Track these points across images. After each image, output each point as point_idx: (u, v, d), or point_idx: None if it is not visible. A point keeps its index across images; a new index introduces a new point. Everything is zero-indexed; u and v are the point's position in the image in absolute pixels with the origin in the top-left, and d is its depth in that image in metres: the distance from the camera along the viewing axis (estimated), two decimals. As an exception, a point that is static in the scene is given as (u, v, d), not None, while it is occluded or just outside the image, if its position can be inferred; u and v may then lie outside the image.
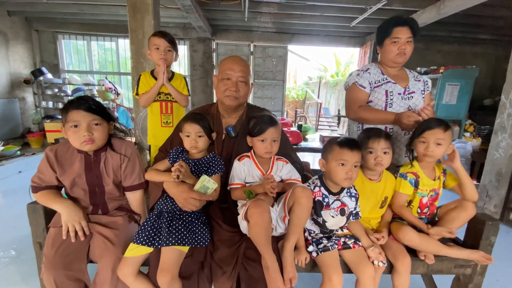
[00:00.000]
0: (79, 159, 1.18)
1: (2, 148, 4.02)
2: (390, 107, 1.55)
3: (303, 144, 2.96)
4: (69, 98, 5.62)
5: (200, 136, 1.20)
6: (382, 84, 1.57)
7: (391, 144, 1.25)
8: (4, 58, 5.12)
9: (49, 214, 1.20)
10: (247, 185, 1.22)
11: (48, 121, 5.29)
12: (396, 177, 1.33)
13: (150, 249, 1.08)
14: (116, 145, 1.23)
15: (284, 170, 1.25)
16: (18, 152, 4.16)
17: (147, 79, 1.77)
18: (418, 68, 4.71)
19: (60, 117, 4.71)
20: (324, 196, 1.18)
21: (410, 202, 1.34)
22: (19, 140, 5.04)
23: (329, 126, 8.56)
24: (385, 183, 1.30)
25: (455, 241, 1.41)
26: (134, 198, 1.29)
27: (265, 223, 1.02)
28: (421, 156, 1.28)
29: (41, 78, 5.49)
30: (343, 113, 8.12)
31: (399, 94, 1.57)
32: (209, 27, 5.42)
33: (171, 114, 1.81)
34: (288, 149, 1.39)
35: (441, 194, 1.35)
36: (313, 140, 3.21)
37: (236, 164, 1.24)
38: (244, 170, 1.22)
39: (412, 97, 1.59)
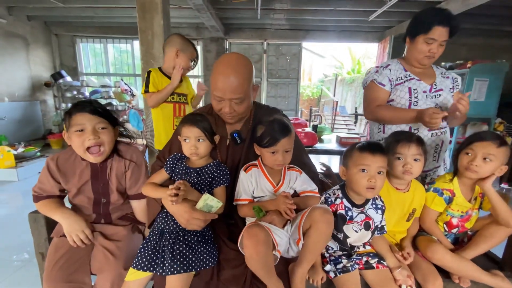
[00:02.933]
0: (84, 166, 1.12)
1: (23, 149, 4.15)
2: (415, 105, 1.40)
3: (318, 145, 2.82)
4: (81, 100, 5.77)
5: (200, 141, 1.06)
6: (404, 81, 1.42)
7: (424, 150, 1.10)
8: (25, 62, 5.30)
9: (51, 223, 1.16)
10: (255, 199, 1.09)
11: (67, 122, 5.44)
12: (427, 189, 1.18)
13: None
14: (122, 151, 1.17)
15: (298, 182, 1.10)
16: (38, 153, 4.29)
17: (159, 77, 1.67)
18: (443, 63, 4.41)
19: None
20: (347, 209, 1.05)
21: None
22: (40, 142, 5.23)
23: (346, 125, 8.28)
24: (414, 193, 1.15)
25: (491, 258, 1.25)
26: (139, 207, 1.22)
27: (261, 256, 0.87)
28: (462, 170, 1.11)
29: (60, 81, 5.66)
30: (360, 111, 7.82)
31: (425, 92, 1.41)
32: (222, 27, 5.35)
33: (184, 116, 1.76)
34: (301, 156, 1.22)
35: (475, 216, 1.19)
36: (329, 141, 3.05)
37: (243, 176, 1.09)
38: (252, 183, 1.07)
39: (440, 95, 1.43)
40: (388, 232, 1.16)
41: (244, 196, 1.08)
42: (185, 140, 1.08)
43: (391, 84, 1.44)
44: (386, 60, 1.52)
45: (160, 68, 1.73)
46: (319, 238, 0.91)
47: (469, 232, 1.23)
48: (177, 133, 1.19)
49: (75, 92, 5.90)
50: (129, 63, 6.53)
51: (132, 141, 1.24)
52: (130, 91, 5.93)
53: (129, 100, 5.87)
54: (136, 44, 6.22)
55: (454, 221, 1.17)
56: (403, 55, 1.51)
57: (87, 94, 6.00)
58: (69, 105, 5.92)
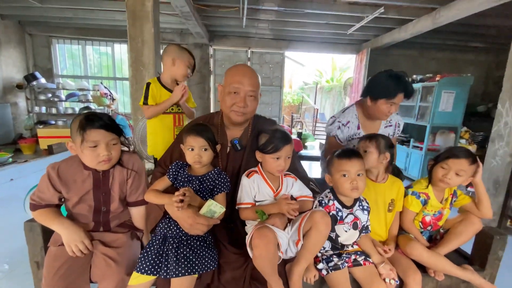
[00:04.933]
0: (86, 176, 1.12)
1: (-7, 155, 3.90)
2: None
3: (303, 152, 2.94)
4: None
5: (204, 150, 1.12)
6: (352, 139, 1.69)
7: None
8: (-4, 63, 5.01)
9: (47, 232, 1.14)
10: (257, 204, 1.16)
11: (41, 126, 5.18)
12: (406, 193, 1.33)
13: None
14: (124, 159, 1.18)
15: (294, 188, 1.19)
16: (10, 159, 4.05)
17: (158, 89, 1.69)
18: (414, 76, 4.77)
19: (53, 122, 4.55)
20: (338, 210, 1.16)
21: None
22: (10, 147, 4.91)
23: (325, 131, 8.59)
24: (392, 185, 1.30)
25: (461, 254, 1.41)
26: (138, 214, 1.24)
27: (271, 254, 0.96)
28: (436, 181, 1.27)
29: (34, 83, 5.39)
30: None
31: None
32: (207, 33, 5.40)
33: (183, 125, 1.79)
34: (293, 163, 1.31)
35: (447, 214, 1.35)
36: (313, 147, 3.19)
37: (245, 181, 1.16)
38: (254, 188, 1.15)
39: None
40: (375, 226, 1.28)
41: (247, 200, 1.14)
42: (190, 149, 1.12)
43: (346, 140, 1.71)
44: (347, 112, 1.74)
45: (158, 78, 1.75)
46: (319, 238, 1.00)
47: (442, 230, 1.39)
48: (178, 141, 1.23)
49: (49, 95, 5.64)
50: (109, 66, 6.35)
51: (131, 149, 1.26)
52: (110, 95, 5.77)
53: (109, 104, 5.71)
54: (117, 47, 6.09)
55: (427, 218, 1.32)
56: (362, 104, 1.70)
57: (63, 97, 5.76)
58: (43, 108, 5.66)
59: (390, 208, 1.30)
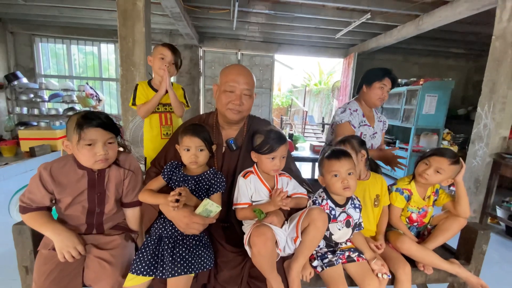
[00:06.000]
0: (81, 175, 1.09)
1: (-29, 157, 3.72)
2: None
3: (294, 153, 2.98)
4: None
5: (201, 150, 1.12)
6: (361, 126, 1.89)
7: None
8: (-25, 61, 4.79)
9: (37, 236, 1.10)
10: (253, 203, 1.17)
11: (23, 128, 4.97)
12: (390, 190, 1.39)
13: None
14: (120, 159, 1.16)
15: (290, 186, 1.21)
16: (-10, 162, 3.87)
17: (145, 89, 1.70)
18: (399, 80, 4.93)
19: (35, 123, 4.37)
20: (331, 208, 1.19)
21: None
22: (-11, 149, 4.69)
23: (314, 133, 8.71)
24: (374, 181, 1.36)
25: (447, 249, 1.47)
26: (133, 215, 1.22)
27: (269, 252, 0.97)
28: (417, 175, 1.34)
29: (15, 82, 5.19)
30: (327, 120, 8.31)
31: (369, 136, 1.93)
32: (196, 35, 5.39)
33: (171, 125, 1.76)
34: (288, 163, 1.33)
35: (431, 212, 1.41)
36: (304, 149, 3.23)
37: (242, 181, 1.17)
38: (250, 188, 1.16)
39: (375, 137, 1.96)
40: (365, 223, 1.31)
41: (244, 200, 1.15)
42: (186, 149, 1.12)
43: (358, 125, 1.88)
44: (351, 103, 1.95)
45: (150, 81, 1.75)
46: (316, 234, 1.03)
47: (429, 226, 1.45)
48: (173, 141, 1.23)
49: (31, 95, 5.43)
50: (95, 66, 6.20)
51: (127, 150, 1.24)
52: (96, 96, 5.62)
53: (95, 105, 5.57)
54: (103, 46, 5.95)
55: (414, 216, 1.38)
56: (359, 99, 1.95)
57: (45, 97, 5.57)
58: (24, 109, 5.45)
59: (376, 203, 1.35)
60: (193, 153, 1.11)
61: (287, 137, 3.40)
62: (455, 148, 4.69)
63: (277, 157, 1.14)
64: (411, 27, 4.09)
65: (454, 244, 1.45)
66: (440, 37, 4.75)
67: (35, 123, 5.45)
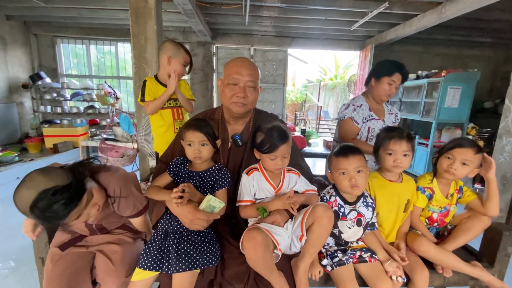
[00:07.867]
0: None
1: (0, 154, 3.95)
2: (370, 140, 1.84)
3: (306, 149, 2.92)
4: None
5: (203, 145, 1.10)
6: (367, 121, 1.84)
7: (412, 145, 1.21)
8: (2, 63, 5.07)
9: (51, 229, 1.15)
10: (257, 201, 1.14)
11: (47, 126, 5.23)
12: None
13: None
14: (101, 180, 1.01)
15: (299, 184, 1.18)
16: (17, 158, 4.09)
17: (154, 86, 1.70)
18: (419, 72, 4.70)
19: (58, 121, 4.54)
20: (340, 206, 1.14)
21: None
22: (17, 146, 4.97)
23: (329, 129, 8.54)
24: (407, 184, 1.26)
25: (469, 251, 1.38)
26: (137, 222, 1.20)
27: (259, 256, 0.94)
28: (442, 172, 1.24)
29: (39, 82, 5.44)
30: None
31: (379, 129, 1.85)
32: (209, 31, 5.39)
33: (183, 119, 1.78)
34: (297, 159, 1.30)
35: (453, 211, 1.31)
36: (317, 144, 3.17)
37: (245, 178, 1.14)
38: (253, 186, 1.13)
39: None
40: (389, 225, 1.24)
41: (247, 198, 1.13)
42: (189, 144, 1.11)
43: (362, 122, 1.83)
44: (357, 98, 1.91)
45: (156, 76, 1.75)
46: (322, 232, 0.99)
47: (449, 226, 1.36)
48: (179, 137, 1.22)
49: (55, 94, 5.69)
50: (113, 65, 6.38)
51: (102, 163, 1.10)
52: (114, 94, 5.79)
53: (113, 103, 5.74)
54: (120, 46, 6.11)
55: (435, 215, 1.29)
56: (367, 93, 1.90)
57: (67, 96, 5.81)
58: (48, 108, 5.71)
59: (406, 209, 1.26)
60: (196, 148, 1.10)
61: (300, 133, 3.35)
62: (480, 144, 4.42)
63: (278, 157, 1.10)
64: (432, 16, 3.86)
65: (476, 245, 1.36)
66: (465, 25, 4.46)
67: (58, 121, 5.71)
